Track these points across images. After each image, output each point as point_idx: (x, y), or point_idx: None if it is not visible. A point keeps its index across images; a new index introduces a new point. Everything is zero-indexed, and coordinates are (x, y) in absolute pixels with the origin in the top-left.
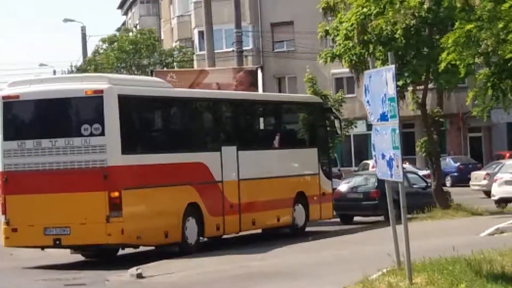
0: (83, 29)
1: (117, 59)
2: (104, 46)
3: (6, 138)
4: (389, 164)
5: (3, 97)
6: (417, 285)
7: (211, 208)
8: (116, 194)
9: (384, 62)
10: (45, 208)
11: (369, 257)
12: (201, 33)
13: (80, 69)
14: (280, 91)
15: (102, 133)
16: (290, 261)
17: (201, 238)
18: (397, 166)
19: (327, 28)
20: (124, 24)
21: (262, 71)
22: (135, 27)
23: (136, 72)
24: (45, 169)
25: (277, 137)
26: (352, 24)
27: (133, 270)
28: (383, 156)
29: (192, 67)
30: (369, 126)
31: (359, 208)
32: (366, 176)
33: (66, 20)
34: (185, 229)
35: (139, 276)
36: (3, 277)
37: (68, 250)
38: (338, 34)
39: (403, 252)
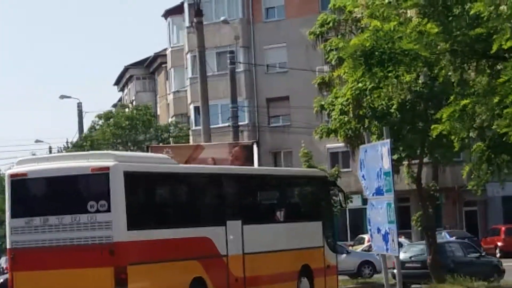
0: (79, 105)
1: (113, 135)
2: (100, 122)
3: (13, 215)
4: (385, 238)
5: (11, 175)
6: None
7: (216, 282)
8: (122, 269)
9: (380, 137)
10: (52, 284)
11: None
12: (197, 109)
13: (76, 145)
14: (275, 166)
15: (108, 210)
16: None
17: None
18: (393, 240)
19: (323, 103)
20: (120, 100)
21: (257, 146)
22: (131, 103)
23: (132, 148)
24: (52, 246)
25: (282, 211)
26: (348, 99)
27: None
28: (379, 230)
29: (188, 142)
30: (365, 201)
31: (416, 276)
32: (423, 247)
33: (62, 97)
34: None
35: None
36: None
37: None
38: (333, 109)
39: None
